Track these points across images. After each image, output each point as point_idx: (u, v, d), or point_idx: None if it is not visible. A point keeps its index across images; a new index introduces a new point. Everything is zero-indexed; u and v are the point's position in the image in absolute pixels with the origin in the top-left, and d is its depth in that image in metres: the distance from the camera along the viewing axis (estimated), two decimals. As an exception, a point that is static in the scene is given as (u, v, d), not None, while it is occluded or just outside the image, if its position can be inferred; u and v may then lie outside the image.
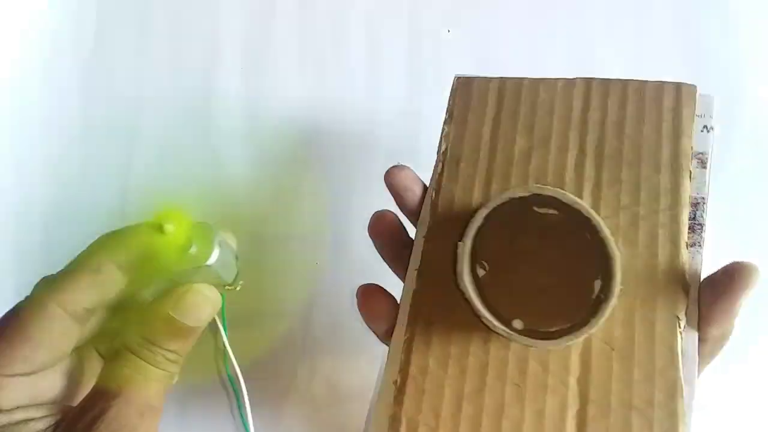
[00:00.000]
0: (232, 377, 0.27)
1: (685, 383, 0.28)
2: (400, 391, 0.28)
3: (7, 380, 0.22)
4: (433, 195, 0.32)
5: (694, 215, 0.31)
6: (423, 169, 0.48)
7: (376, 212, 0.32)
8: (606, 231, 0.25)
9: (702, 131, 0.32)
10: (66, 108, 0.49)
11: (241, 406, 0.29)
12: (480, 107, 0.34)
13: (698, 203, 0.31)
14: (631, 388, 0.28)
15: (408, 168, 0.33)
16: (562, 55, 0.49)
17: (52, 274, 0.26)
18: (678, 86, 0.32)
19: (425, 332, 0.29)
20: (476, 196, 0.31)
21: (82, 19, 0.50)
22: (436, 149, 0.34)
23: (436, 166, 0.33)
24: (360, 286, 0.31)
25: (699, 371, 0.29)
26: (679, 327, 0.28)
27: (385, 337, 0.31)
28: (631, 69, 0.48)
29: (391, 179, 0.32)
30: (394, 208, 0.33)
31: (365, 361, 0.40)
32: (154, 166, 0.49)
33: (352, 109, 0.49)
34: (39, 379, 0.24)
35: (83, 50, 0.50)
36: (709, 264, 0.43)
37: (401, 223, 0.32)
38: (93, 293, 0.24)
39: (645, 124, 0.32)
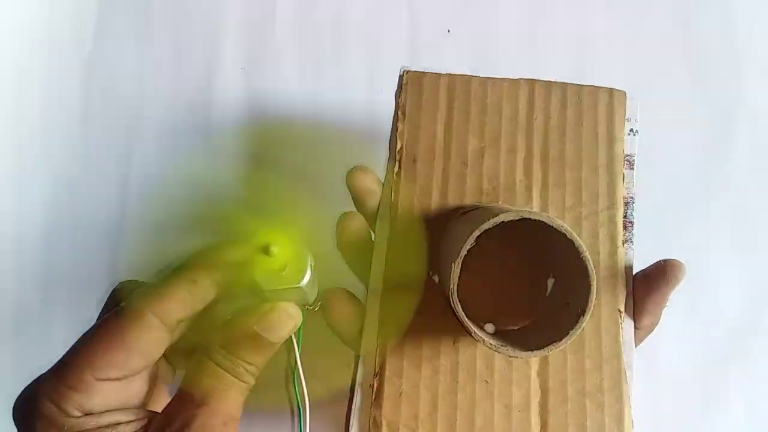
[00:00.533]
0: (299, 394, 0.29)
1: (627, 368, 0.31)
2: (378, 394, 0.29)
3: (99, 384, 0.23)
4: (392, 195, 0.33)
5: (626, 214, 0.33)
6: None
7: (343, 215, 0.32)
8: (587, 254, 0.27)
9: (629, 134, 0.34)
10: (66, 108, 0.49)
11: (301, 424, 0.30)
12: (432, 105, 0.34)
13: (628, 202, 0.33)
14: (584, 377, 0.30)
15: (371, 170, 0.33)
16: (562, 55, 0.49)
17: (133, 280, 0.27)
18: (611, 92, 0.34)
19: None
20: (434, 197, 0.33)
21: (82, 18, 0.50)
22: (388, 145, 0.34)
23: (390, 164, 0.34)
24: (326, 290, 0.30)
25: None
26: (620, 319, 0.31)
27: (350, 340, 0.30)
28: (631, 69, 0.49)
29: (354, 181, 0.32)
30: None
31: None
32: (154, 166, 0.49)
33: (352, 108, 0.49)
34: (128, 385, 0.25)
35: (83, 50, 0.50)
36: (712, 263, 0.43)
37: (366, 225, 0.32)
38: (187, 306, 0.25)
39: (583, 127, 0.33)
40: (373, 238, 0.33)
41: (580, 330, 0.26)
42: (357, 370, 0.30)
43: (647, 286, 0.31)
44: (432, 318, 0.30)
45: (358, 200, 0.32)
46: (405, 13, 0.50)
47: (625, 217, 0.33)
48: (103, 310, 0.28)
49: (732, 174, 0.48)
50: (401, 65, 0.35)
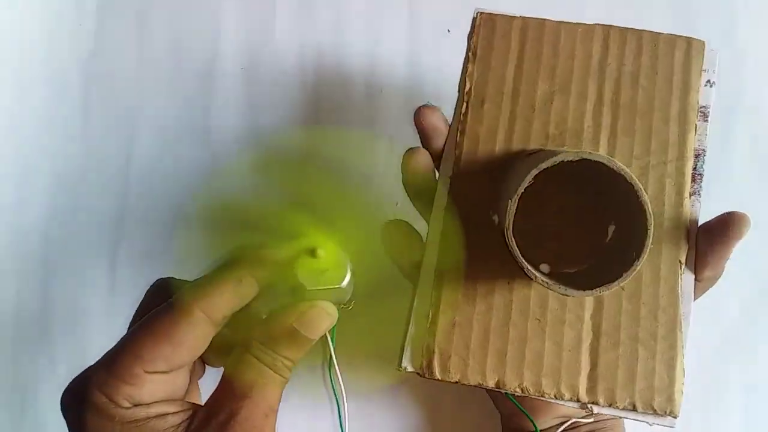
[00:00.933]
0: (336, 389, 0.31)
1: (683, 319, 0.31)
2: (432, 324, 0.30)
3: (149, 376, 0.24)
4: (458, 135, 0.33)
5: (696, 166, 0.33)
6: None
7: (409, 150, 0.32)
8: (645, 197, 0.27)
9: (706, 86, 0.33)
10: (66, 107, 0.49)
11: (341, 416, 0.32)
12: (503, 47, 0.34)
13: (699, 155, 0.33)
14: (638, 323, 0.31)
15: (438, 109, 0.33)
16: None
17: (171, 278, 0.28)
18: (689, 41, 0.34)
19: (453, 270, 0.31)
20: (500, 139, 0.33)
21: (82, 18, 0.50)
22: (458, 86, 0.34)
23: (458, 106, 0.34)
24: (386, 222, 0.32)
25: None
26: (680, 270, 0.31)
27: (407, 272, 0.32)
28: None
29: (421, 119, 0.32)
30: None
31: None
32: (153, 165, 0.49)
33: (353, 110, 0.49)
34: (174, 377, 0.26)
35: (83, 50, 0.50)
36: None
37: (431, 162, 0.33)
38: (232, 303, 0.26)
39: (658, 75, 0.33)
40: (437, 176, 0.33)
41: (633, 273, 0.26)
42: (413, 301, 0.31)
43: (710, 239, 0.31)
44: (489, 258, 0.31)
45: (424, 138, 0.33)
46: (405, 13, 0.50)
47: (694, 169, 0.33)
48: (140, 305, 0.29)
49: (732, 174, 0.48)
50: (476, 7, 0.35)
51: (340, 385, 0.31)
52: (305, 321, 0.27)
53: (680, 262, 0.31)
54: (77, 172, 0.49)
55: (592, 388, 0.30)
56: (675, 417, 0.30)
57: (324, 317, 0.27)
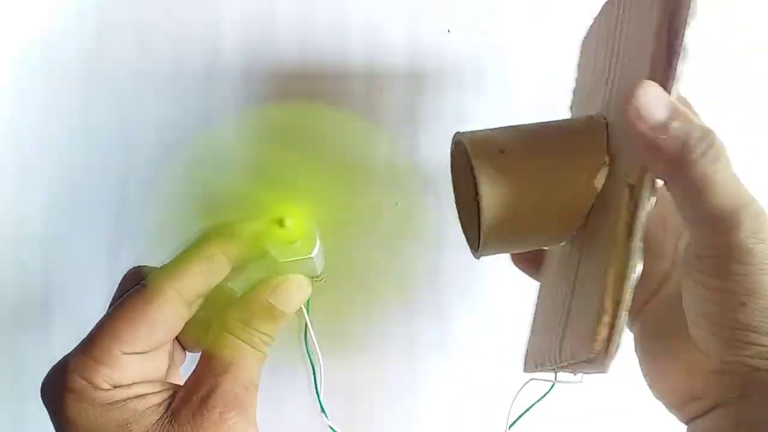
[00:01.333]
0: (312, 357, 0.32)
1: (628, 252, 0.26)
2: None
3: (126, 357, 0.25)
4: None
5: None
6: (421, 164, 0.49)
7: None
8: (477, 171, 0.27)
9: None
10: (66, 107, 0.49)
11: (317, 383, 0.33)
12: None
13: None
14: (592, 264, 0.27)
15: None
16: (562, 56, 0.49)
17: (144, 266, 0.28)
18: None
19: None
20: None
21: (82, 18, 0.50)
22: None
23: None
24: None
25: None
26: (628, 195, 0.26)
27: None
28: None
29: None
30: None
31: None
32: (154, 166, 0.49)
33: (352, 108, 0.49)
34: (152, 358, 0.26)
35: (83, 50, 0.50)
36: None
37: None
38: (204, 281, 0.27)
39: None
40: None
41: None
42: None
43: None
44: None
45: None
46: (405, 13, 0.50)
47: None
48: (116, 294, 0.29)
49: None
50: None
51: (316, 350, 0.31)
52: (279, 295, 0.27)
53: (628, 184, 0.26)
54: (77, 172, 0.49)
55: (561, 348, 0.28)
56: (601, 360, 0.25)
57: (298, 290, 0.28)
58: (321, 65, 0.49)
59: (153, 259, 0.47)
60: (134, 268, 0.29)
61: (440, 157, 0.48)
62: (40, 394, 0.26)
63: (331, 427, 0.34)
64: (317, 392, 0.33)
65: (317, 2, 0.50)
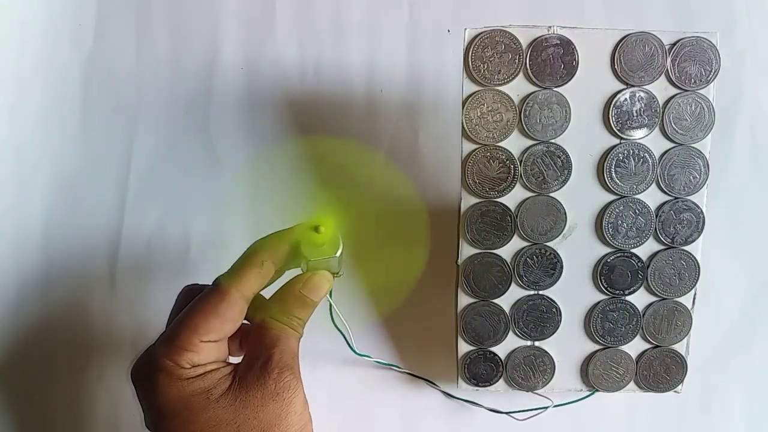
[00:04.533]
0: (338, 325, 0.40)
1: None
2: None
3: (204, 345, 0.32)
4: None
5: None
6: (420, 163, 0.49)
7: None
8: None
9: None
10: (66, 107, 0.49)
11: (348, 340, 0.41)
12: None
13: None
14: None
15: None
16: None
17: (195, 284, 0.36)
18: None
19: None
20: None
21: (82, 17, 0.50)
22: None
23: None
24: None
25: None
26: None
27: None
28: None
29: None
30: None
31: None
32: (153, 165, 0.49)
33: (353, 110, 0.49)
34: (222, 345, 0.33)
35: (83, 49, 0.50)
36: (712, 263, 0.43)
37: None
38: (259, 283, 0.34)
39: None
40: None
41: None
42: None
43: None
44: None
45: None
46: (405, 13, 0.50)
47: None
48: (174, 307, 0.36)
49: (732, 174, 0.48)
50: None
51: (342, 321, 0.39)
52: (310, 287, 0.35)
53: None
54: (77, 172, 0.49)
55: None
56: None
57: (324, 283, 0.35)
58: (321, 65, 0.49)
59: (152, 259, 0.48)
60: (187, 286, 0.36)
61: (440, 156, 0.48)
62: (132, 376, 0.33)
63: (371, 358, 0.45)
64: (351, 348, 0.42)
65: (317, 2, 0.50)
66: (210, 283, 0.34)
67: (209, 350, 0.32)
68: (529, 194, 0.39)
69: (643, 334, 0.40)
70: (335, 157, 0.49)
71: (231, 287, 0.32)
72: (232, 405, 0.31)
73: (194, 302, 0.33)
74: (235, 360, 0.34)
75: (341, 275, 0.36)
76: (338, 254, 0.34)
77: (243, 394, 0.32)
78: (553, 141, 0.38)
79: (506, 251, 0.39)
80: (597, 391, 0.41)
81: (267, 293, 0.35)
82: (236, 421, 0.31)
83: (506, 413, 0.42)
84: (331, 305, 0.38)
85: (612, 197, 0.39)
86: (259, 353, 0.33)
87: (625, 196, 0.38)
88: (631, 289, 0.40)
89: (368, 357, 0.44)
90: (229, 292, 0.32)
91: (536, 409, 0.41)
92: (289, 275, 0.36)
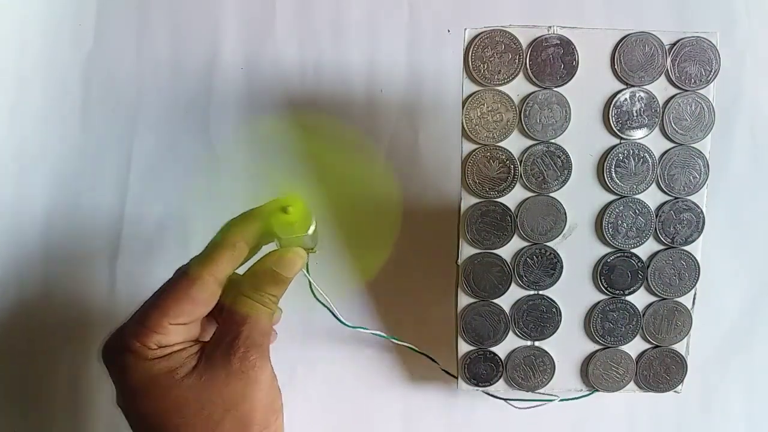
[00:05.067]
0: (319, 297, 0.39)
1: None
2: None
3: (173, 327, 0.32)
4: None
5: None
6: (420, 163, 0.49)
7: None
8: None
9: None
10: (66, 106, 0.49)
11: (333, 311, 0.40)
12: None
13: None
14: None
15: None
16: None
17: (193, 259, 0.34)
18: None
19: None
20: None
21: (82, 17, 0.50)
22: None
23: None
24: None
25: None
26: None
27: None
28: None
29: None
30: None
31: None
32: (153, 165, 0.49)
33: (353, 110, 0.49)
34: (191, 327, 0.33)
35: (83, 49, 0.50)
36: (712, 263, 0.43)
37: None
38: (231, 265, 0.33)
39: None
40: None
41: None
42: None
43: None
44: None
45: None
46: (405, 13, 0.50)
47: None
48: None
49: (732, 174, 0.48)
50: None
51: (323, 295, 0.39)
52: (282, 263, 0.34)
53: None
54: (77, 172, 0.49)
55: None
56: None
57: (296, 259, 0.34)
58: (321, 65, 0.49)
59: (152, 259, 0.48)
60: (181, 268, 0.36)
61: (440, 156, 0.48)
62: (100, 355, 0.33)
63: (353, 326, 0.42)
64: (338, 319, 0.40)
65: (317, 2, 0.50)
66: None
67: (178, 332, 0.32)
68: (529, 194, 0.39)
69: (643, 334, 0.40)
70: (335, 157, 0.49)
71: (203, 270, 0.32)
72: (197, 383, 0.31)
73: (166, 284, 0.33)
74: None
75: (316, 251, 0.36)
76: (310, 232, 0.34)
77: (207, 373, 0.32)
78: (553, 141, 0.38)
79: (506, 251, 0.39)
80: (597, 390, 0.41)
81: (243, 270, 0.35)
82: (200, 400, 0.31)
83: (507, 399, 0.42)
84: (310, 281, 0.37)
85: (612, 197, 0.39)
86: (228, 330, 0.33)
87: (625, 196, 0.38)
88: (631, 289, 0.40)
89: (364, 329, 0.44)
90: (201, 276, 0.32)
91: (539, 400, 0.41)
92: (266, 250, 0.35)
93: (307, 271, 0.36)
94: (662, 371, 0.40)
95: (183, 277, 0.33)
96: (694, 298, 0.40)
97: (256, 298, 0.33)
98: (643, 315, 0.40)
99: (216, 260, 0.33)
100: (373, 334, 0.44)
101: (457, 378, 0.42)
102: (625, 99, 0.37)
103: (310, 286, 0.38)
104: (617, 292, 0.40)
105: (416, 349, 0.44)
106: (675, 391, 0.41)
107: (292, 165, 0.49)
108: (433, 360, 0.44)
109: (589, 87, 0.38)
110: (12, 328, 0.47)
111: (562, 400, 0.41)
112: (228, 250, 0.33)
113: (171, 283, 0.33)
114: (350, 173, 0.49)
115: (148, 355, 0.31)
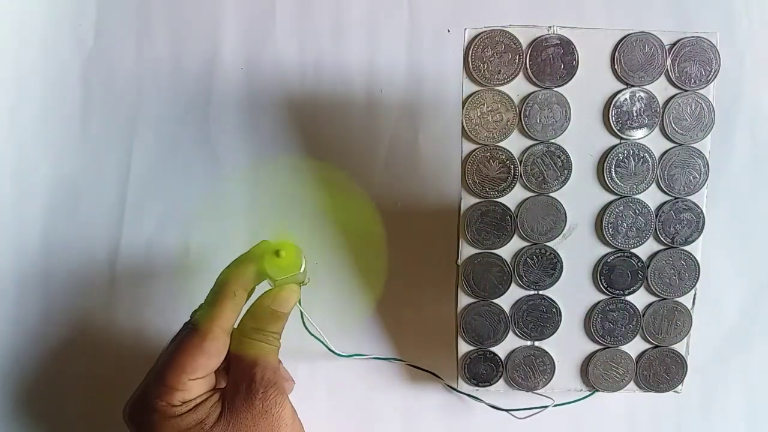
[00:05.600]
0: (310, 328, 0.40)
1: None
2: None
3: (193, 383, 0.34)
4: None
5: None
6: (420, 163, 0.49)
7: None
8: None
9: None
10: (66, 107, 0.49)
11: (326, 343, 0.42)
12: None
13: None
14: None
15: None
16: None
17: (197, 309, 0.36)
18: None
19: None
20: None
21: (82, 17, 0.50)
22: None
23: None
24: None
25: None
26: None
27: None
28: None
29: None
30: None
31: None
32: (153, 165, 0.49)
33: (353, 110, 0.49)
34: (209, 378, 0.35)
35: (83, 49, 0.50)
36: (712, 263, 0.44)
37: None
38: (234, 313, 0.35)
39: None
40: None
41: None
42: None
43: None
44: None
45: None
46: (405, 13, 0.50)
47: None
48: (175, 336, 0.36)
49: (732, 174, 0.48)
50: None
51: (315, 327, 0.40)
52: (278, 301, 0.36)
53: None
54: (77, 172, 0.49)
55: None
56: None
57: (292, 295, 0.36)
58: (321, 65, 0.49)
59: (152, 259, 0.48)
60: (186, 323, 0.37)
61: (440, 156, 0.48)
62: (126, 417, 0.34)
63: (348, 355, 0.44)
64: (331, 350, 0.42)
65: (317, 2, 0.50)
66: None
67: (198, 385, 0.34)
68: (529, 194, 0.39)
69: (643, 334, 0.40)
70: (336, 157, 0.49)
71: (212, 323, 0.34)
72: (226, 430, 0.33)
73: (179, 342, 0.34)
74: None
75: (307, 284, 0.38)
76: (302, 269, 0.36)
77: (234, 418, 0.33)
78: (553, 141, 0.38)
79: (506, 251, 0.39)
80: (597, 391, 0.41)
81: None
82: None
83: (506, 410, 0.42)
84: (302, 312, 0.39)
85: (612, 197, 0.39)
86: (243, 375, 0.34)
87: (625, 196, 0.38)
88: (631, 289, 0.40)
89: (360, 356, 0.45)
90: (211, 329, 0.34)
91: (537, 407, 0.41)
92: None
93: (300, 304, 0.38)
94: (662, 371, 0.40)
95: (194, 333, 0.34)
96: (694, 298, 0.40)
97: (260, 339, 0.35)
98: (643, 315, 0.40)
99: (221, 311, 0.35)
100: (373, 358, 0.46)
101: (457, 379, 0.42)
102: (625, 99, 0.37)
103: (302, 318, 0.40)
104: (617, 292, 0.40)
105: (420, 367, 0.44)
106: (675, 391, 0.41)
107: (292, 166, 0.49)
108: (436, 376, 0.44)
109: (589, 87, 0.38)
110: (12, 328, 0.47)
111: (556, 405, 0.41)
112: (229, 300, 0.35)
113: (182, 339, 0.35)
114: (352, 178, 0.49)
115: (174, 412, 0.33)
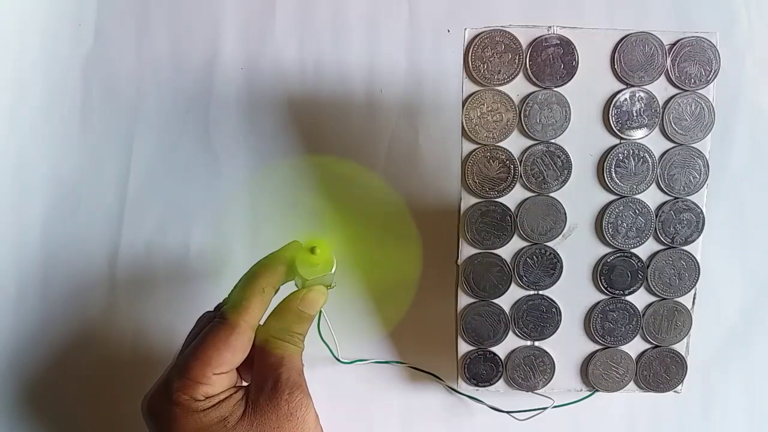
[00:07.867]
0: (325, 339, 0.41)
1: None
2: None
3: (217, 377, 0.33)
4: None
5: None
6: (420, 163, 0.49)
7: None
8: None
9: None
10: (66, 106, 0.49)
11: (333, 351, 0.43)
12: None
13: None
14: None
15: None
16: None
17: (207, 311, 0.37)
18: None
19: None
20: None
21: (81, 17, 0.50)
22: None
23: None
24: None
25: None
26: None
27: None
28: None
29: None
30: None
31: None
32: (153, 165, 0.49)
33: (352, 110, 0.49)
34: (232, 373, 0.34)
35: (83, 49, 0.50)
36: (712, 263, 0.43)
37: None
38: (262, 309, 0.35)
39: None
40: None
41: None
42: None
43: None
44: None
45: None
46: (405, 13, 0.50)
47: None
48: (189, 334, 0.37)
49: (732, 174, 0.48)
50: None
51: (331, 333, 0.41)
52: (306, 302, 0.36)
53: None
54: (77, 172, 0.49)
55: None
56: None
57: (320, 297, 0.36)
58: (321, 65, 0.49)
59: (152, 259, 0.48)
60: (206, 312, 0.37)
61: (440, 156, 0.48)
62: (145, 410, 0.33)
63: (350, 362, 0.45)
64: (337, 358, 0.42)
65: (317, 2, 0.50)
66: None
67: (222, 381, 0.33)
68: (529, 194, 0.39)
69: (643, 334, 0.40)
70: (335, 157, 0.49)
71: (239, 318, 0.34)
72: (249, 430, 0.32)
73: (204, 334, 0.34)
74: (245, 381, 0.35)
75: (334, 287, 0.37)
76: (333, 271, 0.36)
77: (258, 418, 0.33)
78: (553, 141, 0.38)
79: (506, 251, 0.39)
80: (597, 391, 0.41)
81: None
82: None
83: (507, 412, 0.42)
84: (320, 315, 0.39)
85: (612, 197, 0.39)
86: (267, 374, 0.34)
87: (625, 196, 0.38)
88: (631, 289, 0.40)
89: (361, 361, 0.45)
90: (238, 324, 0.33)
91: (537, 409, 0.41)
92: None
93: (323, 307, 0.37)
94: (662, 371, 0.40)
95: (221, 327, 0.34)
96: (694, 298, 0.40)
97: (287, 339, 0.35)
98: (643, 315, 0.40)
99: (248, 307, 0.34)
100: (375, 363, 0.46)
101: (457, 379, 0.42)
102: (625, 99, 0.37)
103: (318, 322, 0.40)
104: (617, 292, 0.40)
105: (421, 369, 0.45)
106: (675, 391, 0.41)
107: (292, 166, 0.49)
108: (437, 377, 0.44)
109: (589, 87, 0.38)
110: (11, 327, 0.47)
111: (556, 406, 0.41)
112: (258, 296, 0.34)
113: (208, 332, 0.34)
114: (352, 179, 0.49)
115: (197, 407, 0.32)
